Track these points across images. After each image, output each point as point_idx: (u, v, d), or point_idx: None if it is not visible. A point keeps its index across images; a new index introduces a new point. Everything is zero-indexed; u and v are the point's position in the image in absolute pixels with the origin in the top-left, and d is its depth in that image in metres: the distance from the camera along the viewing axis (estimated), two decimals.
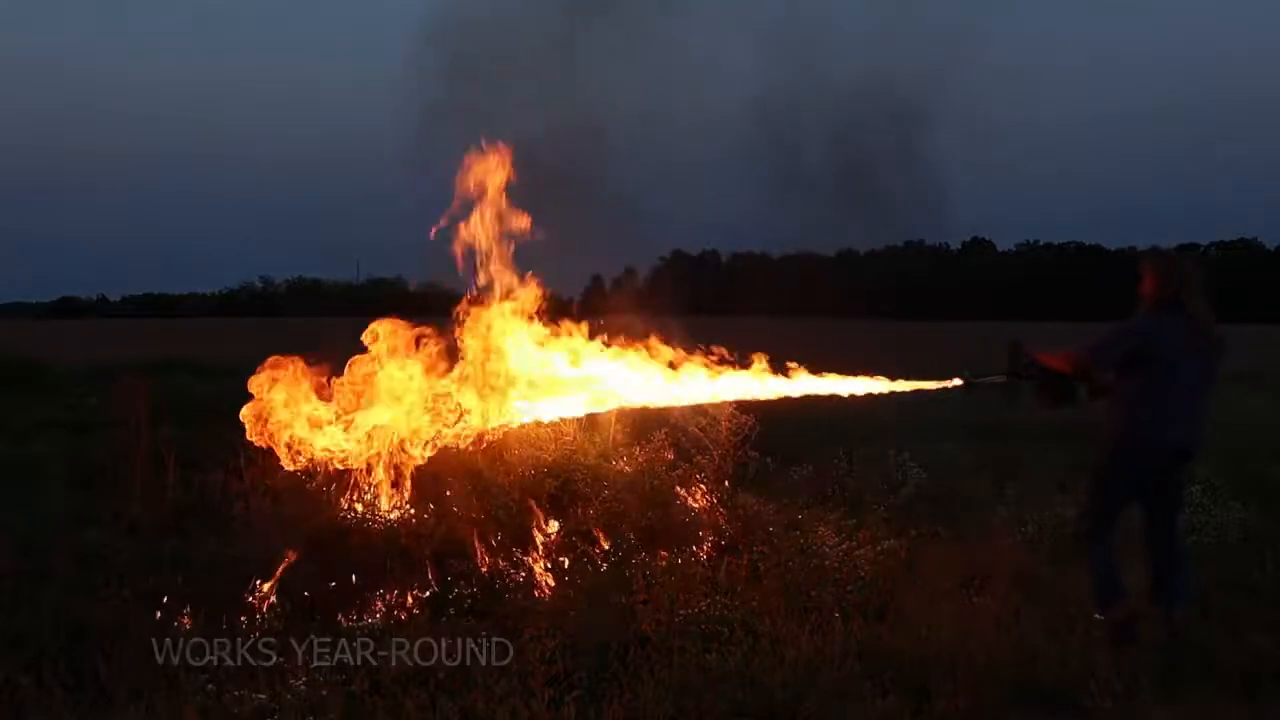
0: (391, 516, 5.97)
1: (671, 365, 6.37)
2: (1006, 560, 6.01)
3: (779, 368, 6.31)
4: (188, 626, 4.97)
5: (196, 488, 6.82)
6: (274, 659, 4.54)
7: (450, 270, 6.59)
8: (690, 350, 6.42)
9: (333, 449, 6.12)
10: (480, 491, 6.18)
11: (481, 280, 6.51)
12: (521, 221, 6.55)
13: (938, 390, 6.04)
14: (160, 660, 4.52)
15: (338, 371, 6.32)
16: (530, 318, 6.46)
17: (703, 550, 6.15)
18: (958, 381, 5.75)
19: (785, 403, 6.48)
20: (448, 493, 6.19)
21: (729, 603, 5.24)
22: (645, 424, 7.27)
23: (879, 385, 6.17)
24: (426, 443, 6.15)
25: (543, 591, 5.57)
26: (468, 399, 6.20)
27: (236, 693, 4.18)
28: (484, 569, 5.66)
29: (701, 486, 6.83)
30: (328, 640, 4.74)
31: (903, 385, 6.16)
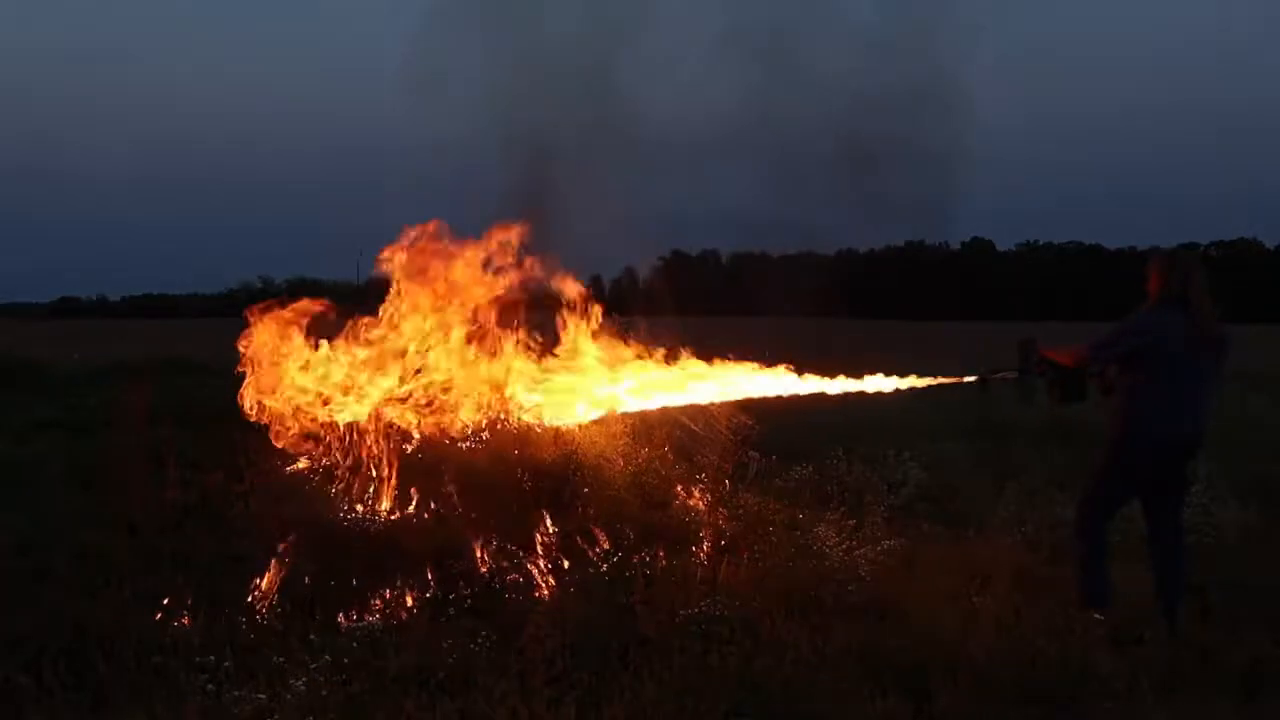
0: (393, 517, 5.97)
1: (671, 361, 6.45)
2: (1006, 560, 6.01)
3: (797, 368, 6.42)
4: (188, 626, 4.96)
5: (196, 488, 6.81)
6: (274, 659, 4.54)
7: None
8: (700, 350, 6.51)
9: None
10: (480, 491, 6.18)
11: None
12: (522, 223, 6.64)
13: (953, 385, 6.09)
14: (160, 660, 4.51)
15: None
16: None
17: (703, 550, 6.15)
18: (972, 378, 5.80)
19: (785, 403, 6.50)
20: (447, 491, 6.18)
21: (729, 603, 5.24)
22: (646, 424, 7.26)
23: (894, 383, 6.22)
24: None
25: (543, 591, 5.57)
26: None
27: (236, 693, 4.18)
28: (484, 569, 5.65)
29: (701, 486, 6.83)
30: (328, 640, 4.75)
31: (918, 382, 6.21)
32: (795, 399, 6.57)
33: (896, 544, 6.33)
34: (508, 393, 6.63)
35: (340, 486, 6.19)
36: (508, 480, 6.19)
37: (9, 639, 4.69)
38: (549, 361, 6.83)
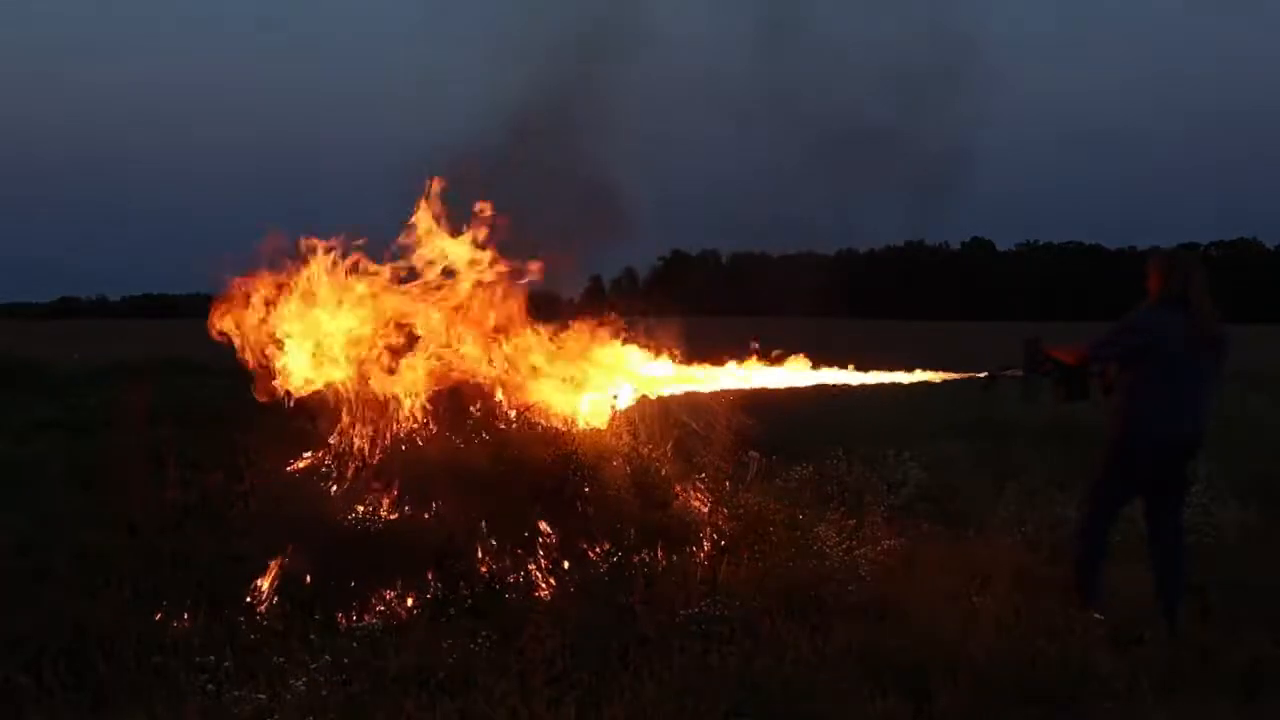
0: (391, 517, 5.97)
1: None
2: (1006, 560, 6.01)
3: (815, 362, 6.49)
4: (188, 626, 4.96)
5: (196, 488, 6.81)
6: (274, 659, 4.54)
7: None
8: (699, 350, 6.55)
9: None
10: (480, 491, 6.17)
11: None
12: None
13: (964, 380, 6.12)
14: (160, 660, 4.51)
15: None
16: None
17: (703, 550, 6.15)
18: (983, 374, 5.83)
19: (786, 402, 6.51)
20: (447, 491, 6.18)
21: (729, 603, 5.24)
22: (646, 424, 7.26)
23: (907, 376, 6.27)
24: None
25: (543, 591, 5.57)
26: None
27: (236, 693, 4.18)
28: (484, 569, 5.65)
29: (701, 486, 6.83)
30: (328, 640, 4.75)
31: (930, 375, 6.24)
32: (795, 399, 6.59)
33: (896, 544, 6.33)
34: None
35: (338, 483, 6.18)
36: (508, 480, 6.19)
37: (9, 639, 4.70)
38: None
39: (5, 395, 13.08)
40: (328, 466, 6.34)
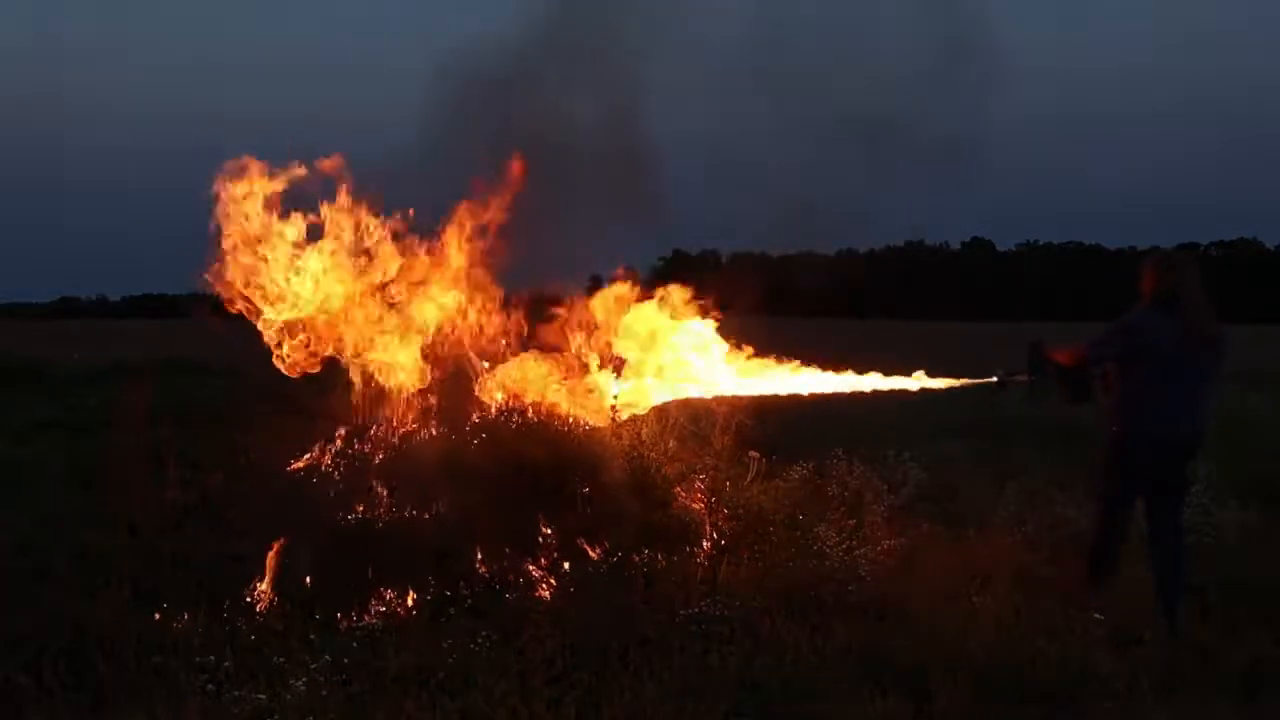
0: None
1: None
2: (1006, 560, 6.01)
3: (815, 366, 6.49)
4: (188, 626, 4.96)
5: (196, 488, 6.82)
6: (274, 659, 4.54)
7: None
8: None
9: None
10: (480, 491, 6.17)
11: None
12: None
13: (974, 387, 6.13)
14: (160, 660, 4.52)
15: None
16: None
17: (703, 550, 6.15)
18: (993, 380, 5.84)
19: (785, 402, 6.51)
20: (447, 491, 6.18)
21: (729, 603, 5.24)
22: (646, 423, 7.25)
23: (916, 383, 6.26)
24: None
25: (543, 591, 5.57)
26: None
27: (236, 693, 4.18)
28: (484, 569, 5.65)
29: (701, 486, 6.82)
30: (328, 640, 4.75)
31: (938, 383, 6.24)
32: (795, 399, 6.58)
33: (896, 544, 6.33)
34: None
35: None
36: (508, 480, 6.19)
37: (9, 639, 4.70)
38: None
39: (5, 395, 13.08)
40: (328, 467, 6.34)
